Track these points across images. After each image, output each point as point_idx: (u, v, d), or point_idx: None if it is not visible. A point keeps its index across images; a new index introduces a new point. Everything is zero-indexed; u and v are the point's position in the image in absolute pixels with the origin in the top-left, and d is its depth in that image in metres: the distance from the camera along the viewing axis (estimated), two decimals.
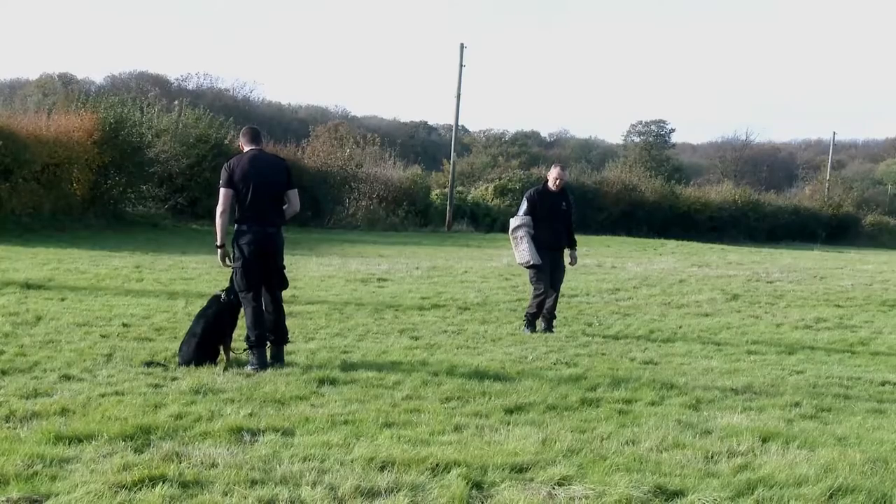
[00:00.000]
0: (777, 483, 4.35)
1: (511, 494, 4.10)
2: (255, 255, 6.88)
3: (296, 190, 7.15)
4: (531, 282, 9.53)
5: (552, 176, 9.45)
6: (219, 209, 6.91)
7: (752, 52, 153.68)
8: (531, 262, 9.17)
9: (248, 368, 6.72)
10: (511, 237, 9.50)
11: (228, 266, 7.09)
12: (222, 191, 6.89)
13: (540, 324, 9.36)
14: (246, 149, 7.09)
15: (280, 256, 7.11)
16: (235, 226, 6.97)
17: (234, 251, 6.97)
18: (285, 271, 7.22)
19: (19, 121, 23.70)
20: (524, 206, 9.39)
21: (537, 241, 9.24)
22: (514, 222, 9.43)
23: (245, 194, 6.84)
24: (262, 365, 6.74)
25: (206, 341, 6.88)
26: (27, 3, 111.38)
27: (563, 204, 9.45)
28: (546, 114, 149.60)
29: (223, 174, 6.93)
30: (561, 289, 9.66)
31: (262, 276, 6.96)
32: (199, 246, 19.74)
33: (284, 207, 7.12)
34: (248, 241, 6.86)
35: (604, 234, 35.76)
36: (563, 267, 9.60)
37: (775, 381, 7.07)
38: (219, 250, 7.05)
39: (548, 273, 9.29)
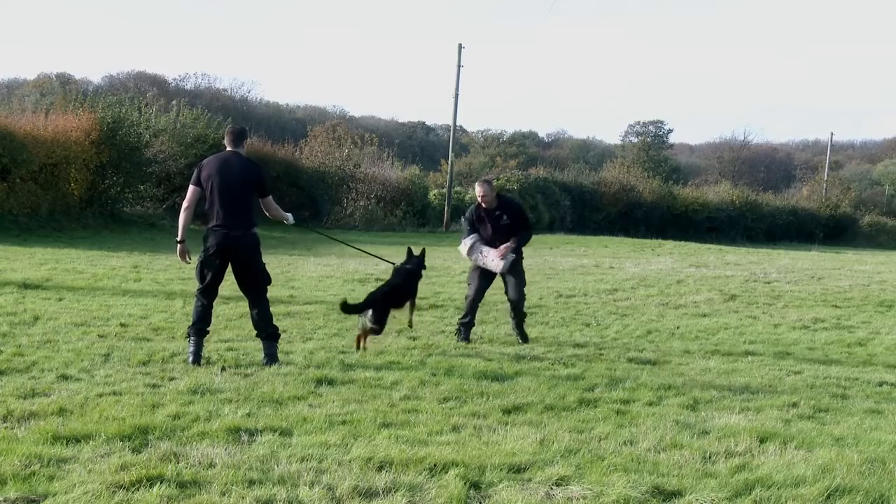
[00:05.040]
0: (775, 483, 4.36)
1: (509, 494, 4.11)
2: (216, 257, 6.97)
3: (270, 197, 7.17)
4: (467, 283, 8.99)
5: (476, 193, 8.85)
6: (183, 205, 7.09)
7: (751, 53, 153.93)
8: (510, 260, 8.51)
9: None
10: (472, 259, 8.78)
11: (187, 263, 7.28)
12: (189, 188, 7.07)
13: (513, 329, 8.79)
14: (228, 149, 7.13)
15: (252, 257, 7.07)
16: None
17: (201, 246, 7.09)
18: (267, 267, 7.23)
19: (17, 121, 23.65)
20: (465, 227, 8.93)
21: None
22: (465, 245, 8.78)
23: (208, 195, 6.96)
24: (194, 357, 6.84)
25: (386, 304, 7.57)
26: (25, 2, 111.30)
27: (504, 218, 8.73)
28: (544, 114, 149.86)
29: (194, 171, 7.10)
30: (524, 291, 8.80)
31: (220, 277, 7.07)
32: (197, 246, 19.69)
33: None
34: (211, 243, 6.97)
35: (601, 234, 35.84)
36: (520, 272, 8.76)
37: (773, 382, 7.08)
38: (178, 246, 7.20)
39: (487, 281, 8.74)
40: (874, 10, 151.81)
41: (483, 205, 8.77)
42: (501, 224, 8.72)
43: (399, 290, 7.91)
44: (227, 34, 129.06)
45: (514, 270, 8.72)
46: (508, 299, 8.80)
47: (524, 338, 8.66)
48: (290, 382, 6.25)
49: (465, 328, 8.66)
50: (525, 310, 8.86)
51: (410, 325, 8.33)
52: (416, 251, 8.36)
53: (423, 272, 8.15)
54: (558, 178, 42.17)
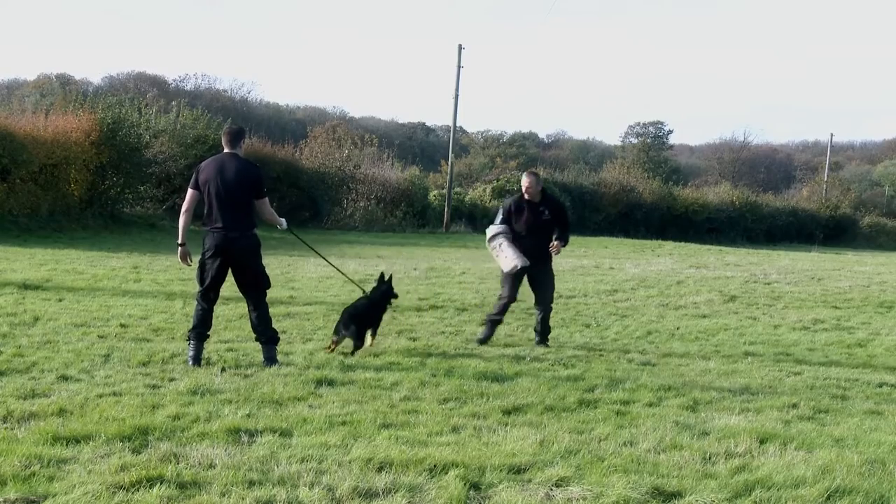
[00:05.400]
0: (774, 484, 4.36)
1: (509, 495, 4.11)
2: (214, 258, 6.98)
3: (265, 200, 7.16)
4: (501, 284, 8.90)
5: (522, 185, 8.79)
6: (182, 208, 7.11)
7: (751, 53, 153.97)
8: (519, 266, 8.41)
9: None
10: (490, 247, 8.79)
11: (189, 265, 7.29)
12: (188, 191, 7.09)
13: (534, 337, 8.73)
14: (225, 150, 7.13)
15: (251, 259, 7.06)
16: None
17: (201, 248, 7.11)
18: (267, 270, 7.23)
19: (17, 121, 23.63)
20: (500, 215, 8.86)
21: None
22: (490, 231, 8.80)
23: (206, 198, 6.97)
24: (194, 359, 6.85)
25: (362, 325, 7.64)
26: (25, 2, 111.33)
27: (546, 213, 8.62)
28: (544, 115, 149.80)
29: (192, 175, 7.12)
30: (553, 297, 8.88)
31: (220, 279, 7.07)
32: (197, 247, 19.69)
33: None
34: (210, 244, 6.99)
35: (601, 235, 35.85)
36: (551, 278, 8.81)
37: (773, 383, 7.08)
38: (179, 249, 7.24)
39: (519, 281, 8.65)
40: (874, 10, 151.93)
41: (526, 196, 8.69)
42: (543, 219, 8.64)
43: (365, 317, 7.84)
44: (227, 34, 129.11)
45: (547, 278, 8.70)
46: (537, 310, 8.68)
47: (545, 342, 8.62)
48: (290, 383, 6.25)
49: (492, 326, 8.64)
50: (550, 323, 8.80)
51: (371, 345, 8.16)
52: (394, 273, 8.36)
53: (392, 300, 8.23)
54: (558, 179, 42.16)
